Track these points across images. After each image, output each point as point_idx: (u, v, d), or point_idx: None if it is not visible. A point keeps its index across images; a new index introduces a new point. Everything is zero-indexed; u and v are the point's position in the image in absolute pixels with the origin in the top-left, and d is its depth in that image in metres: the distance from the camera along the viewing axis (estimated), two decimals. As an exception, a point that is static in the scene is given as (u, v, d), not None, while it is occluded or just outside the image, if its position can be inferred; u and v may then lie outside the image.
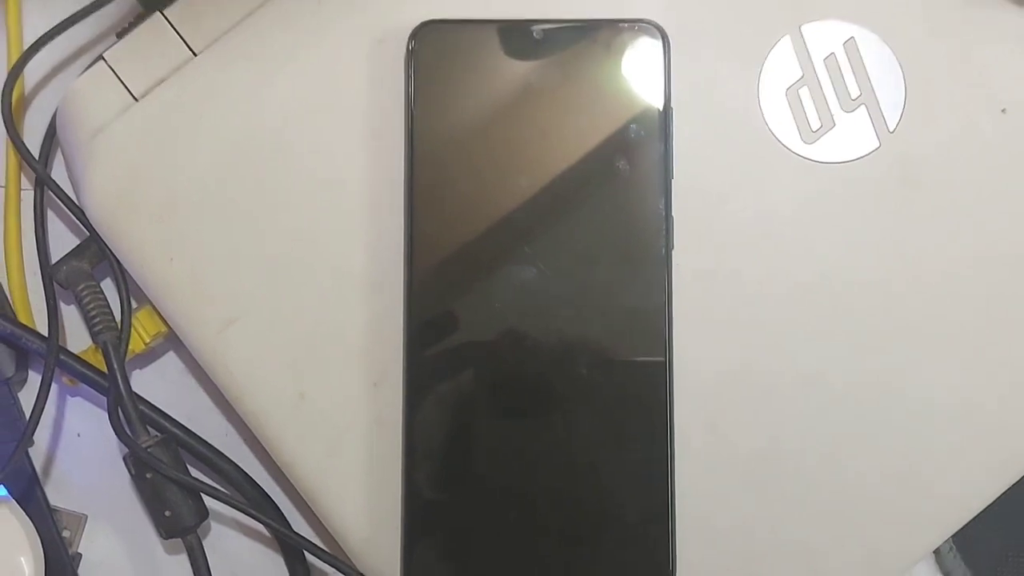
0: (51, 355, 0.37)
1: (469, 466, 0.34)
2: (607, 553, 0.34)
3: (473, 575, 0.34)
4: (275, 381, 0.35)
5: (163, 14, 0.36)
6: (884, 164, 0.35)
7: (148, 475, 0.37)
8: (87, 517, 0.40)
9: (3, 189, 0.40)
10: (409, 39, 0.35)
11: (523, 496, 0.34)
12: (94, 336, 0.38)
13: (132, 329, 0.38)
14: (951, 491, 0.35)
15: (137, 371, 0.41)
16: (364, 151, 0.36)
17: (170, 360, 0.41)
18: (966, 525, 0.35)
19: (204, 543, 0.38)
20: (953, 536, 0.36)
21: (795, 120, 0.35)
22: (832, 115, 0.35)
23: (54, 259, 0.39)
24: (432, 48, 0.35)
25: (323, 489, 0.35)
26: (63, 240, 0.40)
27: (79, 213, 0.37)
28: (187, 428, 0.39)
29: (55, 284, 0.38)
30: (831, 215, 0.35)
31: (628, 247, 0.34)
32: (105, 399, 0.37)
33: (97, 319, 0.37)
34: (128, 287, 0.38)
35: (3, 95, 0.37)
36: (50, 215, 0.41)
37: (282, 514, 0.39)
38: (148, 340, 0.38)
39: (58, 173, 0.40)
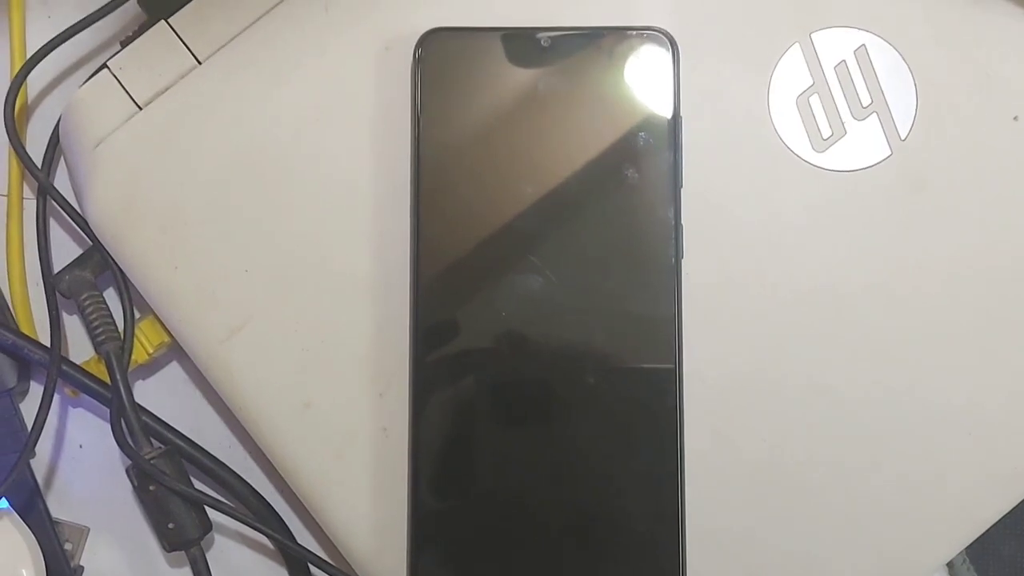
0: (53, 366, 0.37)
1: (476, 476, 0.34)
2: (616, 563, 0.34)
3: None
4: (280, 390, 0.35)
5: (167, 22, 0.36)
6: (896, 172, 0.35)
7: (151, 487, 0.36)
8: (89, 529, 0.40)
9: (5, 198, 0.40)
10: (416, 47, 0.34)
11: (531, 506, 0.34)
12: (97, 346, 0.37)
13: (135, 339, 0.38)
14: (964, 502, 0.35)
15: (140, 382, 0.40)
16: (370, 159, 0.35)
17: (173, 371, 0.41)
18: (980, 537, 0.35)
19: (208, 556, 0.38)
20: (967, 548, 0.36)
21: (805, 128, 0.35)
22: (843, 123, 0.35)
23: (56, 269, 0.38)
24: (439, 56, 0.34)
25: (328, 499, 0.35)
26: (66, 250, 0.40)
27: (82, 222, 0.37)
28: (190, 439, 0.38)
29: (57, 294, 0.38)
30: (842, 224, 0.35)
31: (637, 256, 0.34)
32: (107, 410, 0.37)
33: (100, 329, 0.37)
34: (131, 297, 0.38)
35: (6, 103, 0.37)
36: (52, 224, 0.40)
37: (286, 526, 0.39)
38: (151, 350, 0.38)
39: (61, 182, 0.39)
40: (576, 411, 0.34)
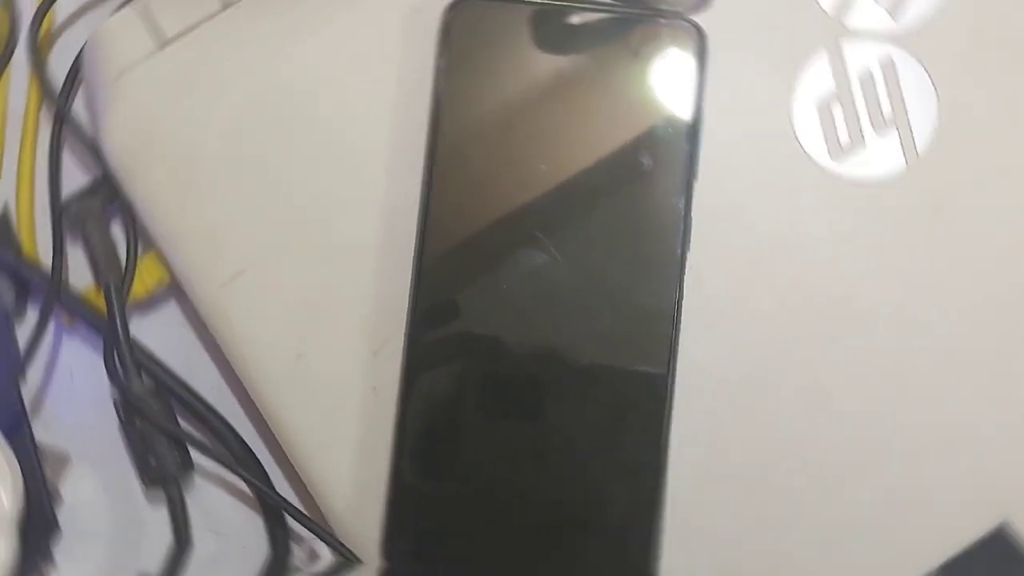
0: (52, 289, 0.37)
1: (458, 451, 0.34)
2: (586, 551, 0.34)
3: (451, 556, 0.34)
4: (274, 338, 0.35)
5: (201, -39, 0.36)
6: (910, 187, 0.35)
7: (136, 422, 0.37)
8: (71, 457, 0.40)
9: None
10: (444, 12, 0.34)
11: (512, 482, 0.34)
12: (97, 276, 0.37)
13: (135, 274, 0.38)
14: (943, 521, 0.35)
15: (136, 319, 0.40)
16: (388, 120, 0.35)
17: (170, 312, 0.41)
18: (954, 557, 0.35)
19: (187, 497, 0.38)
20: (940, 566, 0.36)
21: (824, 134, 0.35)
22: (862, 133, 0.35)
23: (66, 196, 0.38)
24: (467, 24, 0.34)
25: (311, 452, 0.35)
26: (75, 180, 0.40)
27: (95, 152, 0.37)
28: (181, 379, 0.38)
29: (64, 221, 0.38)
30: (851, 233, 0.35)
31: (644, 244, 0.34)
32: (101, 342, 0.37)
33: (101, 259, 0.37)
34: (136, 231, 0.38)
35: (32, 25, 0.37)
36: (65, 154, 0.40)
37: (266, 473, 0.39)
38: (150, 286, 0.38)
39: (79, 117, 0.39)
40: (567, 394, 0.34)
